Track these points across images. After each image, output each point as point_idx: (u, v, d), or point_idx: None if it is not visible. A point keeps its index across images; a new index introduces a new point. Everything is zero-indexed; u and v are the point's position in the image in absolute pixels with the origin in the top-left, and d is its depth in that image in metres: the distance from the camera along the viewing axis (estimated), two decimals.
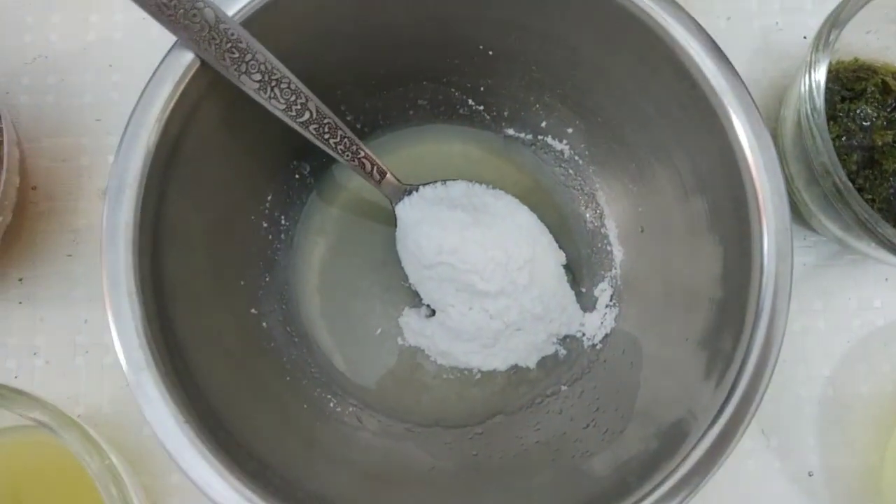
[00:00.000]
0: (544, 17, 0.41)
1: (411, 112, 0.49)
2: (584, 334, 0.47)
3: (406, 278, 0.47)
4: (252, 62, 0.37)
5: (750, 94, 0.37)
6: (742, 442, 0.36)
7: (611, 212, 0.48)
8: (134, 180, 0.35)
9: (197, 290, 0.40)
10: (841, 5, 0.43)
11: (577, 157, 0.48)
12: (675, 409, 0.38)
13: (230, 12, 0.37)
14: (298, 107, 0.39)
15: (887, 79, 0.46)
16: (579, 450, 0.42)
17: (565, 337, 0.47)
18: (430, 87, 0.47)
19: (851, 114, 0.45)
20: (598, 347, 0.46)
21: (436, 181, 0.47)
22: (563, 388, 0.46)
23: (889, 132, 0.45)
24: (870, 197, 0.45)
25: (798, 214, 0.48)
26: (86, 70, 0.50)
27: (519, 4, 0.41)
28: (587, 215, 0.49)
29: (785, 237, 0.37)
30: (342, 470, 0.41)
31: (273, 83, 0.38)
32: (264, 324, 0.45)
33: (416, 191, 0.46)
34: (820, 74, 0.42)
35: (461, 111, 0.49)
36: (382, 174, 0.44)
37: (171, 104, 0.36)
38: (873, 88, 0.46)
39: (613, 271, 0.47)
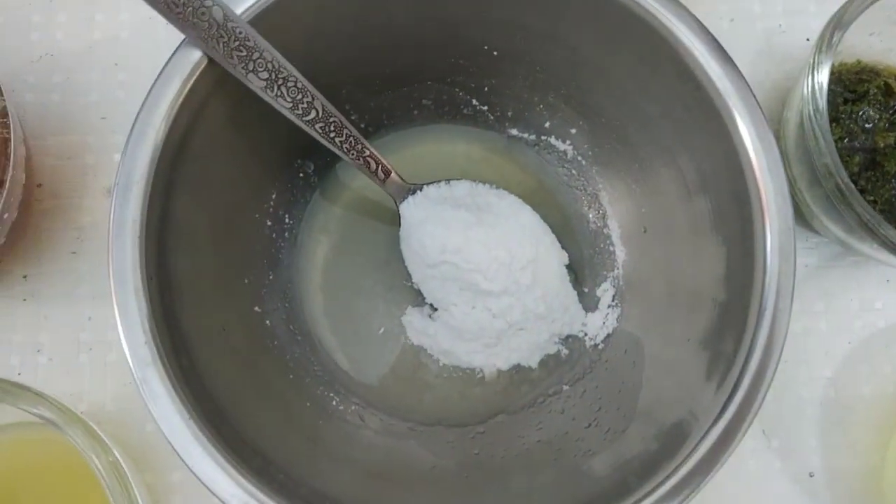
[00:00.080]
0: (549, 17, 0.41)
1: (415, 112, 0.49)
2: (586, 334, 0.47)
3: (409, 277, 0.47)
4: (259, 60, 0.37)
5: (754, 95, 0.38)
6: (743, 442, 0.36)
7: (614, 212, 0.48)
8: (141, 177, 0.36)
9: (202, 288, 0.40)
10: (844, 7, 0.43)
11: (580, 158, 0.49)
12: (677, 409, 0.38)
13: (238, 11, 0.37)
14: (305, 105, 0.39)
15: (890, 81, 0.46)
16: (581, 449, 0.42)
17: (567, 337, 0.47)
18: (435, 87, 0.47)
19: (854, 116, 0.45)
20: (600, 347, 0.47)
21: (440, 181, 0.47)
22: (565, 387, 0.46)
23: (891, 134, 0.45)
24: (872, 198, 0.45)
25: (800, 216, 0.48)
26: (91, 68, 0.50)
27: (523, 5, 0.41)
28: (590, 215, 0.49)
29: (788, 237, 0.37)
30: (345, 468, 0.41)
31: (280, 82, 0.38)
32: (268, 322, 0.45)
33: (420, 190, 0.46)
34: (823, 76, 0.42)
35: (465, 111, 0.49)
36: (387, 173, 0.45)
37: (179, 102, 0.36)
38: (876, 90, 0.46)
39: (616, 271, 0.48)
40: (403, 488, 0.42)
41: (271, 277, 0.46)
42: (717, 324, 0.39)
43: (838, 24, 0.43)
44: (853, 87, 0.46)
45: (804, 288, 0.49)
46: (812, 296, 0.49)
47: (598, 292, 0.47)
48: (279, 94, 0.38)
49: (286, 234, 0.48)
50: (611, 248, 0.48)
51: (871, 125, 0.45)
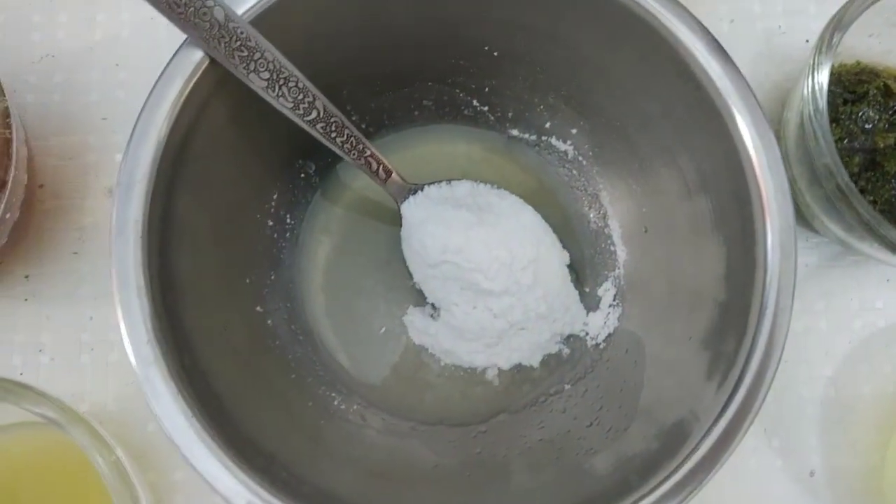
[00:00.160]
0: (549, 18, 0.41)
1: (416, 112, 0.49)
2: (587, 334, 0.47)
3: (410, 277, 0.47)
4: (261, 60, 0.37)
5: (754, 95, 0.38)
6: (744, 441, 0.36)
7: (614, 212, 0.48)
8: (143, 177, 0.36)
9: (204, 288, 0.40)
10: (843, 9, 0.43)
11: (580, 158, 0.49)
12: (678, 408, 0.38)
13: (239, 11, 0.37)
14: (306, 105, 0.39)
15: (889, 82, 0.46)
16: (583, 448, 0.42)
17: (569, 336, 0.47)
18: (435, 87, 0.48)
19: (853, 116, 0.46)
20: (601, 347, 0.47)
21: (441, 181, 0.47)
22: (567, 386, 0.46)
23: (891, 135, 0.45)
24: (871, 199, 0.45)
25: (800, 216, 0.48)
26: (92, 69, 0.50)
27: (524, 5, 0.41)
28: (591, 215, 0.49)
29: (788, 236, 0.37)
30: (347, 467, 0.41)
31: (281, 82, 0.38)
32: (269, 322, 0.45)
33: (421, 190, 0.46)
34: (823, 77, 0.42)
35: (466, 112, 0.49)
36: (388, 173, 0.45)
37: (181, 102, 0.36)
38: (875, 91, 0.46)
39: (617, 271, 0.48)
40: (406, 487, 0.42)
41: (273, 277, 0.46)
42: (718, 323, 0.39)
43: (838, 25, 0.43)
44: (853, 87, 0.47)
45: (804, 287, 0.49)
46: (812, 295, 0.49)
47: (600, 292, 0.48)
48: (280, 94, 0.38)
49: (287, 235, 0.48)
50: (612, 248, 0.48)
51: (870, 126, 0.45)
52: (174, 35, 0.36)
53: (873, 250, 0.44)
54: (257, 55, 0.37)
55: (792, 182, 0.47)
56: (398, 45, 0.44)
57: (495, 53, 0.45)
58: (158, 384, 0.34)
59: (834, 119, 0.45)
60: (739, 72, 0.38)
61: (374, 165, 0.44)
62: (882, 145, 0.45)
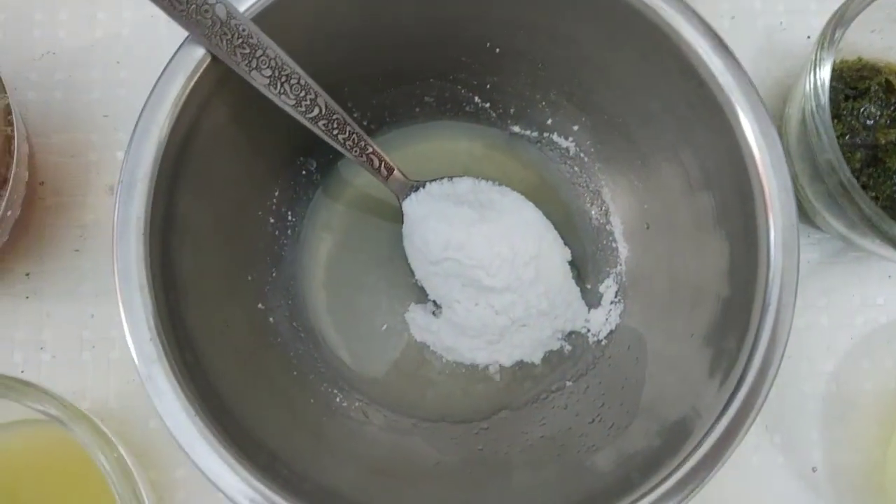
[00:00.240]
0: (551, 14, 0.41)
1: (418, 109, 0.49)
2: (588, 330, 0.47)
3: (412, 274, 0.47)
4: (262, 58, 0.37)
5: (757, 91, 0.38)
6: (746, 438, 0.36)
7: (616, 208, 0.48)
8: (145, 174, 0.35)
9: (206, 285, 0.40)
10: (845, 5, 0.43)
11: (582, 155, 0.49)
12: (680, 406, 0.38)
13: (241, 8, 0.37)
14: (308, 102, 0.39)
15: (891, 78, 0.46)
16: (584, 444, 0.42)
17: (570, 333, 0.47)
18: (437, 84, 0.48)
19: (855, 112, 0.46)
20: (602, 343, 0.47)
21: (442, 177, 0.47)
22: (569, 383, 0.46)
23: (892, 131, 0.45)
24: (873, 194, 0.45)
25: (802, 212, 0.48)
26: (93, 66, 0.50)
27: (525, 2, 0.41)
28: (592, 212, 0.49)
29: (791, 232, 0.37)
30: (349, 463, 0.41)
31: (283, 79, 0.38)
32: (271, 319, 0.45)
33: (423, 187, 0.46)
34: (825, 72, 0.42)
35: (467, 108, 0.49)
36: (390, 170, 0.45)
37: (183, 99, 0.36)
38: (877, 87, 0.46)
39: (619, 268, 0.48)
40: (407, 484, 0.42)
41: (274, 274, 0.46)
42: (721, 320, 0.39)
43: (840, 21, 0.43)
44: (854, 83, 0.47)
45: (806, 284, 0.49)
46: (814, 291, 0.49)
47: (601, 288, 0.48)
48: (282, 91, 0.38)
49: (289, 232, 0.48)
50: (613, 245, 0.48)
51: (872, 122, 0.45)
52: (175, 33, 0.36)
53: (875, 246, 0.44)
54: (259, 52, 0.37)
55: (794, 178, 0.47)
56: (399, 43, 0.44)
57: (497, 50, 0.45)
58: (161, 381, 0.34)
59: (835, 115, 0.45)
60: (742, 68, 0.38)
61: (376, 162, 0.44)
62: (884, 141, 0.45)
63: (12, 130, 0.41)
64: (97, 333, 0.47)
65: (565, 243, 0.48)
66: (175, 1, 0.35)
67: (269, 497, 0.34)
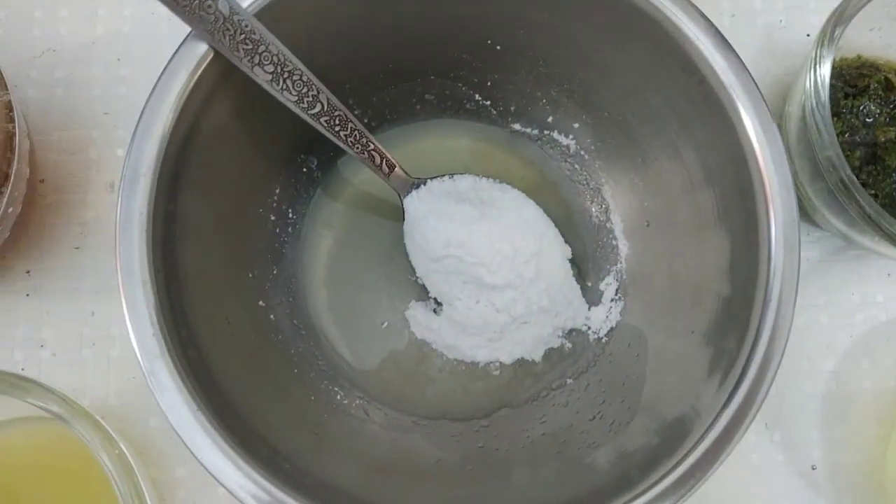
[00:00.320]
0: (552, 12, 0.41)
1: (418, 107, 0.49)
2: (589, 328, 0.47)
3: (412, 272, 0.47)
4: (265, 53, 0.37)
5: (758, 88, 0.38)
6: (746, 436, 0.36)
7: (616, 206, 0.48)
8: (148, 170, 0.36)
9: (207, 282, 0.40)
10: (845, 2, 0.43)
11: (583, 152, 0.49)
12: (680, 405, 0.39)
13: (243, 4, 0.37)
14: (310, 98, 0.39)
15: (890, 76, 0.46)
16: (585, 441, 0.42)
17: (571, 330, 0.48)
18: (438, 81, 0.48)
19: (855, 110, 0.46)
20: (603, 341, 0.47)
21: (443, 175, 0.47)
22: (569, 381, 0.46)
23: (892, 129, 0.45)
24: (873, 192, 0.45)
25: (802, 210, 0.48)
26: (94, 64, 0.50)
27: (527, 1, 0.41)
28: (593, 210, 0.49)
29: (792, 229, 0.37)
30: (350, 461, 0.41)
31: (285, 75, 0.38)
32: (272, 316, 0.45)
33: (424, 184, 0.46)
34: (825, 70, 0.43)
35: (468, 106, 0.49)
36: (391, 167, 0.45)
37: (185, 95, 0.36)
38: (876, 85, 0.46)
39: (619, 265, 0.48)
40: (408, 481, 0.42)
41: (275, 272, 0.46)
42: (721, 317, 0.39)
43: (839, 19, 0.43)
44: (854, 81, 0.47)
45: (806, 282, 0.49)
46: (814, 290, 0.49)
47: (602, 286, 0.48)
48: (285, 87, 0.38)
49: (290, 229, 0.48)
50: (614, 242, 0.48)
51: (871, 120, 0.46)
52: (176, 30, 0.36)
53: (875, 244, 0.44)
54: (262, 48, 0.37)
55: (794, 176, 0.47)
56: (401, 40, 0.44)
57: (498, 47, 0.45)
58: (164, 377, 0.34)
59: (835, 113, 0.45)
60: (744, 65, 0.38)
61: (378, 159, 0.44)
62: (883, 139, 0.45)
63: (14, 127, 0.41)
64: (97, 331, 0.47)
65: (566, 241, 0.48)
66: None
67: (270, 492, 0.34)
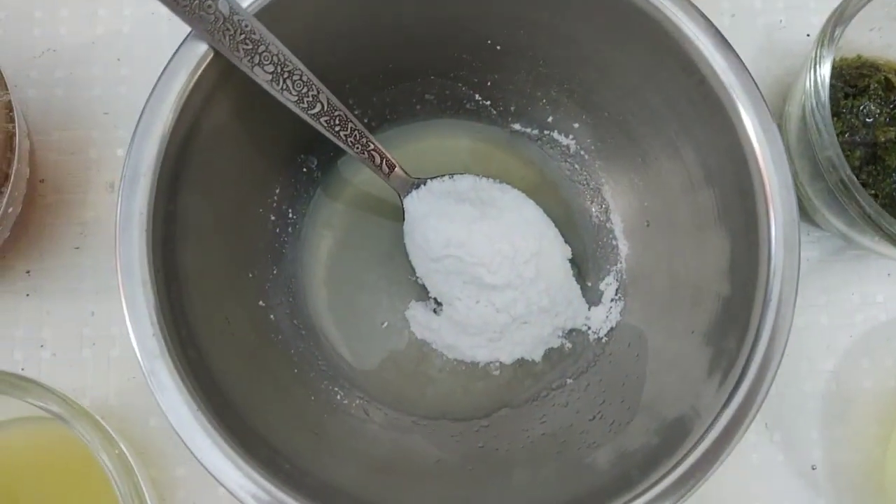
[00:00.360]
0: (552, 12, 0.41)
1: (418, 107, 0.49)
2: (589, 328, 0.47)
3: (412, 272, 0.47)
4: (265, 53, 0.37)
5: (758, 88, 0.38)
6: (746, 436, 0.36)
7: (616, 206, 0.48)
8: (148, 169, 0.36)
9: (207, 282, 0.40)
10: (845, 2, 0.43)
11: (583, 152, 0.49)
12: (679, 405, 0.38)
13: (244, 4, 0.37)
14: (310, 98, 0.39)
15: (890, 76, 0.46)
16: (585, 441, 0.42)
17: (571, 330, 0.48)
18: (438, 81, 0.48)
19: (855, 110, 0.46)
20: (603, 341, 0.47)
21: (443, 175, 0.47)
22: (569, 381, 0.46)
23: (892, 129, 0.45)
24: (873, 192, 0.45)
25: (802, 210, 0.48)
26: (94, 64, 0.50)
27: (527, 1, 0.41)
28: (593, 210, 0.49)
29: (792, 228, 0.37)
30: (350, 461, 0.41)
31: (285, 75, 0.38)
32: (272, 316, 0.45)
33: (424, 184, 0.46)
34: (825, 70, 0.43)
35: (468, 106, 0.49)
36: (391, 167, 0.45)
37: (185, 95, 0.36)
38: (876, 85, 0.46)
39: (619, 265, 0.48)
40: (408, 481, 0.42)
41: (275, 272, 0.46)
42: (721, 317, 0.39)
43: (839, 19, 0.43)
44: (854, 81, 0.47)
45: (806, 282, 0.49)
46: (813, 290, 0.49)
47: (602, 286, 0.48)
48: (285, 87, 0.38)
49: (290, 229, 0.48)
50: (614, 242, 0.48)
51: (871, 120, 0.46)
52: (176, 30, 0.36)
53: (874, 244, 0.44)
54: (262, 48, 0.37)
55: (794, 176, 0.47)
56: (401, 40, 0.44)
57: (498, 47, 0.45)
58: (164, 377, 0.34)
59: (835, 113, 0.45)
60: (744, 65, 0.38)
61: (378, 159, 0.44)
62: (883, 139, 0.45)
63: (14, 127, 0.41)
64: (97, 331, 0.47)
65: (566, 241, 0.48)
66: None
67: (270, 492, 0.34)
